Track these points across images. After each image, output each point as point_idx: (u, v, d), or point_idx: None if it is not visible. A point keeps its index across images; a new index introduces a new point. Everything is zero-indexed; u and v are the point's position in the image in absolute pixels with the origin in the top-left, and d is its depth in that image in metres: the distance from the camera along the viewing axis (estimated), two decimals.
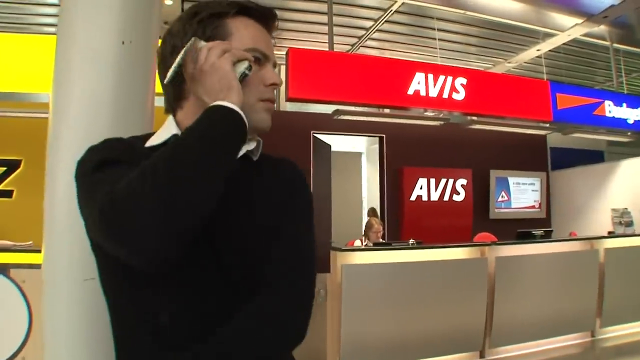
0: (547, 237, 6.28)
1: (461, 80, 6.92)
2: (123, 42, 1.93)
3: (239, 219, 1.18)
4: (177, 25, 1.23)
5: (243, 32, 1.21)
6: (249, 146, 1.26)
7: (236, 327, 1.08)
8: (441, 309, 5.22)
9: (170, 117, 1.25)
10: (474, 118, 7.38)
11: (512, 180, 9.09)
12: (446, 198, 8.45)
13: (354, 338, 4.81)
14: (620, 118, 8.28)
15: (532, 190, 9.30)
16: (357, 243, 6.31)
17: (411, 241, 5.54)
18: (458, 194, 8.54)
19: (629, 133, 8.42)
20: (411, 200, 8.19)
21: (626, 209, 7.52)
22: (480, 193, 8.84)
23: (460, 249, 5.56)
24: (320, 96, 6.04)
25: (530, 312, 5.69)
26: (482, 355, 5.47)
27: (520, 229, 6.25)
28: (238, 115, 1.08)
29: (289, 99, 5.99)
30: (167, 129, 1.22)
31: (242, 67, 1.15)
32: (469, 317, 5.37)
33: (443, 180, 8.43)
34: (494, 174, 8.92)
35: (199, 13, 1.21)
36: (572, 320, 6.06)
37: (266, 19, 1.26)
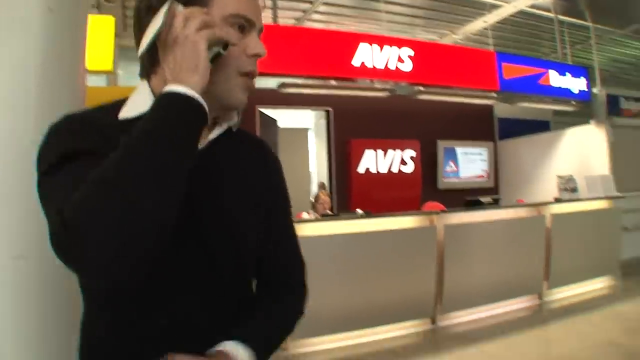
0: (494, 204, 6.43)
1: (407, 51, 6.98)
2: (50, 9, 1.86)
3: (220, 202, 1.12)
4: None
5: None
6: (231, 123, 1.18)
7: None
8: (392, 277, 5.28)
9: (145, 83, 1.13)
10: (421, 89, 7.46)
11: (459, 151, 9.25)
12: (394, 169, 8.54)
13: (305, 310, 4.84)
14: (564, 87, 8.51)
15: (480, 160, 9.49)
16: (305, 216, 6.30)
17: (358, 211, 5.59)
18: (406, 164, 8.65)
19: (573, 102, 8.65)
20: (359, 173, 8.24)
21: (571, 175, 7.74)
22: (428, 164, 8.96)
23: (409, 217, 5.62)
24: (266, 69, 6.01)
25: (480, 277, 5.83)
26: (433, 321, 5.58)
27: (468, 197, 6.37)
28: (197, 103, 0.97)
29: None
30: (142, 98, 1.10)
31: (218, 46, 1.04)
32: (420, 285, 5.46)
33: (391, 152, 8.51)
34: (442, 145, 9.06)
35: None
36: (521, 284, 6.24)
37: None
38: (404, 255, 5.41)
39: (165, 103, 0.96)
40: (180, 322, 1.05)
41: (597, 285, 7.18)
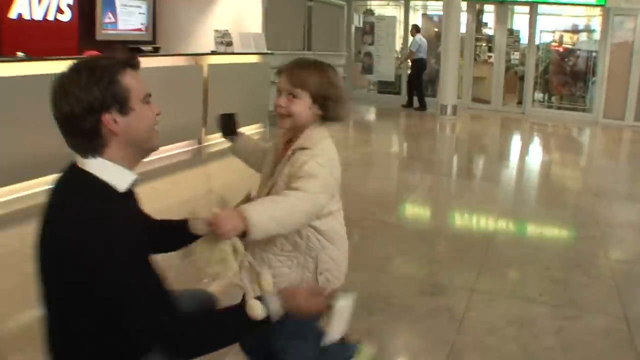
0: (155, 52, 6.90)
1: None
2: None
3: None
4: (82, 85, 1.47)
5: (134, 84, 1.55)
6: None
7: None
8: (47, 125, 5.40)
9: (101, 160, 1.53)
10: None
11: (118, 2, 9.29)
12: (50, 17, 8.28)
13: None
14: None
15: (139, 13, 9.68)
16: None
17: (20, 54, 5.55)
18: (63, 13, 8.44)
19: None
20: (11, 19, 7.81)
21: (227, 30, 8.53)
22: (85, 14, 8.87)
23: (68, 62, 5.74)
24: None
25: None
26: None
27: (130, 46, 6.69)
28: None
29: None
30: (117, 171, 1.55)
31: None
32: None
33: None
34: None
35: (102, 78, 1.48)
36: (183, 130, 6.94)
37: (138, 65, 1.61)
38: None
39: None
40: None
41: (248, 131, 8.32)
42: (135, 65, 1.60)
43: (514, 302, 3.43)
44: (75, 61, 1.54)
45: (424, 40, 13.05)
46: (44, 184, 5.13)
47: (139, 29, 9.69)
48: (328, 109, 1.93)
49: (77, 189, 1.54)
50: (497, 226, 4.99)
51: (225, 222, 1.54)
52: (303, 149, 1.89)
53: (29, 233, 4.30)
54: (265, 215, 1.66)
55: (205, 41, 8.79)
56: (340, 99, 1.95)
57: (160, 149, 5.84)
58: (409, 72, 13.42)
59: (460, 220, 5.35)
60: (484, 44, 14.45)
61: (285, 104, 1.90)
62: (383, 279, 3.70)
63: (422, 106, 12.98)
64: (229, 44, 8.39)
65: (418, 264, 4.05)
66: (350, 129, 10.06)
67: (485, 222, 5.16)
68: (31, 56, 5.65)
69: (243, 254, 1.62)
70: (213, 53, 7.93)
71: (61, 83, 1.50)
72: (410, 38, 13.22)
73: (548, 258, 4.21)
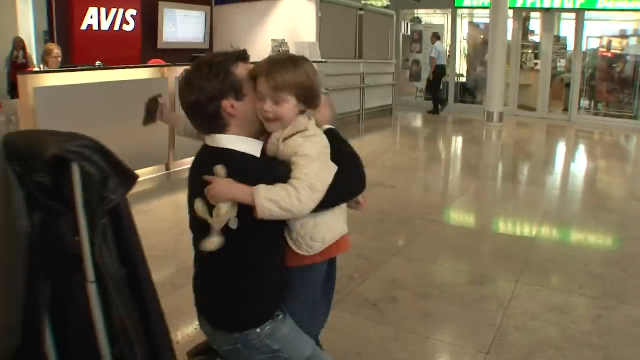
0: None
1: None
2: None
3: None
4: (203, 77, 1.83)
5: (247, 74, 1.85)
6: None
7: None
8: (129, 126, 5.80)
9: (232, 136, 1.88)
10: None
11: (179, 13, 9.91)
12: (117, 28, 8.88)
13: None
14: None
15: (197, 23, 10.30)
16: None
17: (98, 63, 6.05)
18: (128, 24, 9.04)
19: None
20: (82, 30, 8.42)
21: (284, 40, 9.05)
22: (149, 24, 9.46)
23: (144, 69, 6.25)
24: None
25: None
26: (167, 168, 6.47)
27: (194, 55, 7.14)
28: None
29: None
30: (248, 143, 1.90)
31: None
32: (154, 133, 6.04)
33: (114, 10, 8.80)
34: (163, 6, 9.60)
35: (219, 71, 1.82)
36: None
37: (248, 58, 1.91)
38: (139, 104, 5.91)
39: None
40: None
41: None
42: (246, 59, 1.89)
43: (555, 293, 3.77)
44: (197, 59, 1.89)
45: (443, 47, 13.86)
46: None
47: (197, 38, 10.26)
48: (310, 102, 1.94)
49: (219, 156, 1.84)
50: (541, 227, 5.28)
51: (216, 184, 1.72)
52: (295, 134, 1.91)
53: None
54: (273, 198, 1.76)
55: (261, 49, 9.25)
56: (318, 89, 1.96)
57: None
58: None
59: (506, 221, 5.70)
60: (530, 52, 14.62)
61: (271, 109, 1.87)
62: (436, 270, 4.14)
63: (436, 111, 13.71)
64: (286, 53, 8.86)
65: (467, 259, 4.40)
66: (398, 135, 10.43)
67: (529, 223, 5.46)
68: (107, 65, 6.12)
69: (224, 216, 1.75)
70: None
71: (186, 77, 1.86)
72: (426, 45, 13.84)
73: (588, 256, 4.53)
